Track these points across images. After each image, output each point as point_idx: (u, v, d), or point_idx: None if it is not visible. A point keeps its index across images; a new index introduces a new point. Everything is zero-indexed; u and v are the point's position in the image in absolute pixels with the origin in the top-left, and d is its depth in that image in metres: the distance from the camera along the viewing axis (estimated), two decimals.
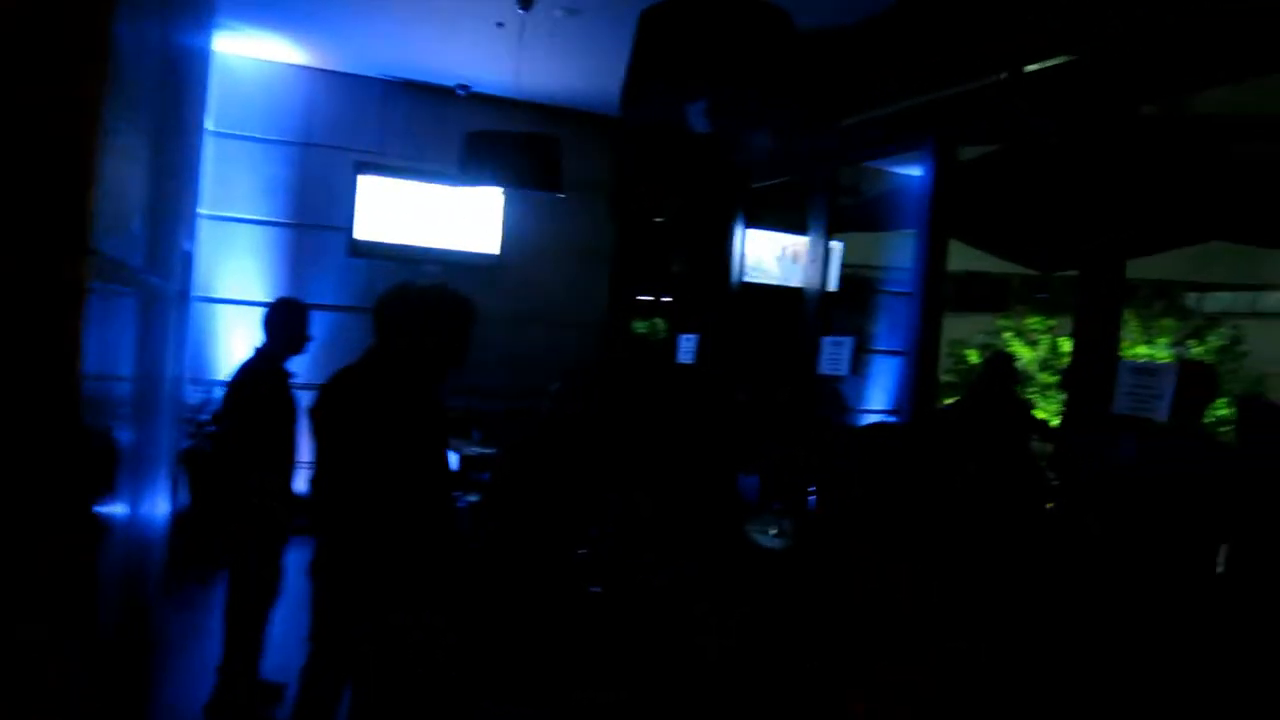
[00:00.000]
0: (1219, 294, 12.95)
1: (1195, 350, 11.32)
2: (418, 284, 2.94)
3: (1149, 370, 3.91)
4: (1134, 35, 4.60)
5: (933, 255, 5.29)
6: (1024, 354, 11.02)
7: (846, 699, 1.87)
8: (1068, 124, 5.24)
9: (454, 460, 6.15)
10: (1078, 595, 3.33)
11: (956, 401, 6.23)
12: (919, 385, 5.41)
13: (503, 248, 7.81)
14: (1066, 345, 11.20)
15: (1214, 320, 11.84)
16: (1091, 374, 4.53)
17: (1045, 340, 11.43)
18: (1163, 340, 10.62)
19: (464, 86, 7.47)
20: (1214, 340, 11.33)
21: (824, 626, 2.01)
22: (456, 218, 7.69)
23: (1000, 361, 5.74)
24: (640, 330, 9.22)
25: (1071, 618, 3.12)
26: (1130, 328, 10.52)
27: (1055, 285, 11.41)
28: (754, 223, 7.12)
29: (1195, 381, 3.90)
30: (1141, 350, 10.46)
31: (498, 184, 5.27)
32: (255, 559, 4.02)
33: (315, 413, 2.88)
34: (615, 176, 8.14)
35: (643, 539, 3.86)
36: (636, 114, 3.79)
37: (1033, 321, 11.47)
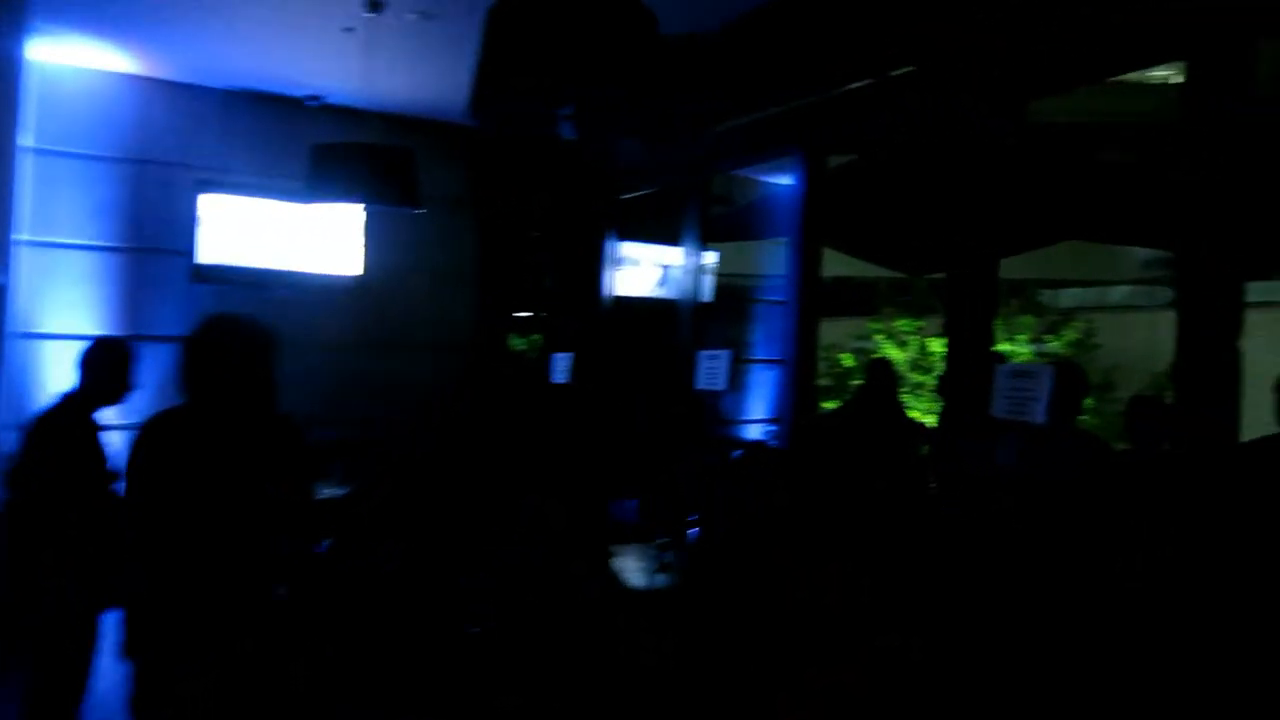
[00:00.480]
0: (1071, 290, 13.56)
1: (1051, 345, 11.80)
2: (211, 317, 2.79)
3: (1025, 373, 3.90)
4: (988, 42, 4.65)
5: (806, 262, 5.23)
6: (895, 355, 11.24)
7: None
8: (929, 130, 5.27)
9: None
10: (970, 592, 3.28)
11: (838, 408, 6.21)
12: (798, 393, 5.34)
13: (366, 268, 7.41)
14: (935, 345, 11.51)
15: (1068, 315, 12.38)
16: (967, 376, 4.53)
17: (914, 341, 11.70)
18: (1022, 337, 11.00)
19: (314, 97, 7.05)
20: (1069, 335, 11.83)
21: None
22: (312, 237, 7.25)
23: (880, 367, 5.75)
24: (519, 347, 8.94)
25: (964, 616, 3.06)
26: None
27: (920, 287, 11.70)
28: (625, 234, 6.96)
29: (1068, 381, 3.92)
30: (1005, 347, 10.80)
31: (348, 200, 4.93)
32: (52, 658, 3.36)
33: (132, 460, 2.54)
34: (477, 189, 7.85)
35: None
36: (488, 118, 3.57)
37: (902, 323, 11.72)
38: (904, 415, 5.72)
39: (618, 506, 5.25)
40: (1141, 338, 11.72)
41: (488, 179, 7.79)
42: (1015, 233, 5.64)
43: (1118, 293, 14.25)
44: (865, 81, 5.31)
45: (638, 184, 6.57)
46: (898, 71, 5.09)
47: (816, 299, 5.18)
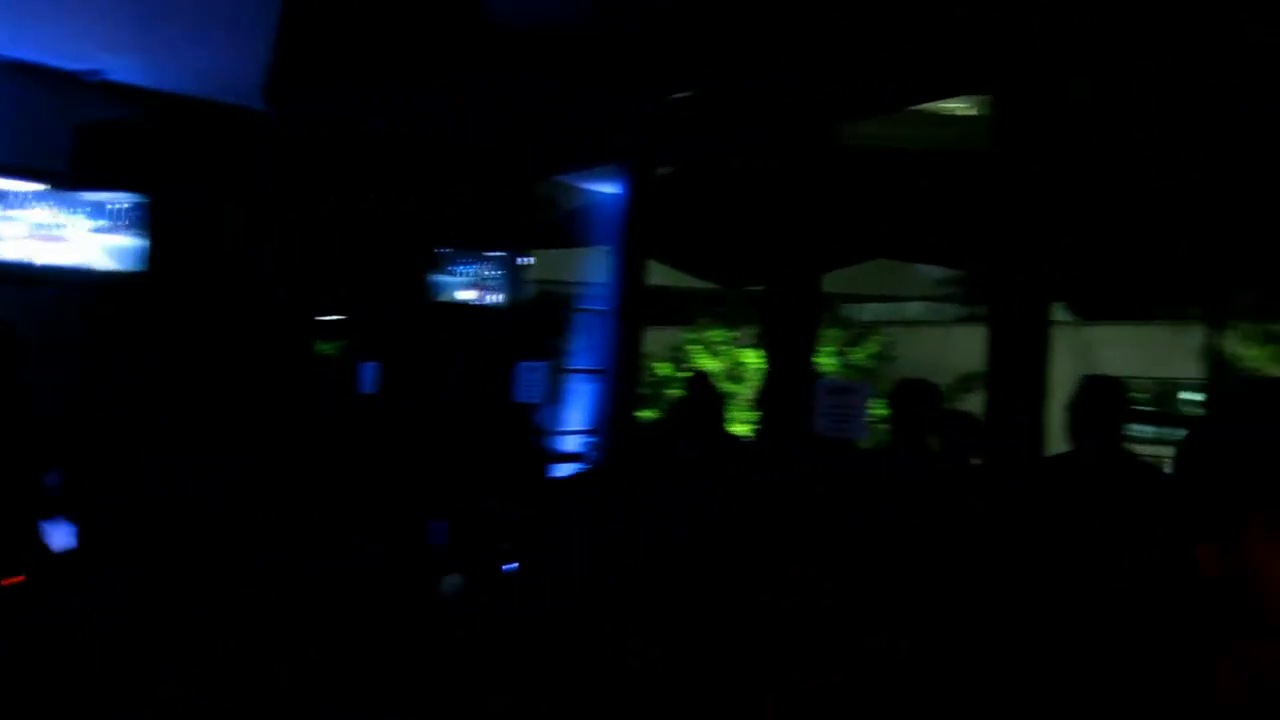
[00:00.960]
0: (871, 305, 14.28)
1: (854, 356, 12.37)
2: None
3: (846, 389, 3.95)
4: (803, 66, 4.73)
5: (630, 272, 5.14)
6: (709, 365, 11.43)
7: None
8: (747, 146, 5.31)
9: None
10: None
11: (659, 420, 6.15)
12: (620, 404, 5.24)
13: (150, 263, 6.71)
14: (747, 356, 11.80)
15: (869, 329, 13.02)
16: (785, 390, 4.56)
17: (727, 351, 11.95)
18: (829, 349, 11.45)
19: (92, 72, 6.33)
20: (870, 347, 12.43)
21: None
22: (87, 229, 6.49)
23: (701, 380, 5.72)
24: (326, 352, 8.39)
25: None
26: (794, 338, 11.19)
27: (732, 298, 11.97)
28: (443, 237, 6.63)
29: (912, 399, 3.98)
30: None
31: (122, 188, 4.41)
32: None
33: None
34: (278, 182, 7.30)
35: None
36: (286, 105, 3.25)
37: (715, 334, 11.95)
38: (724, 430, 5.72)
39: (429, 529, 4.95)
40: (934, 350, 12.51)
41: (290, 172, 7.25)
42: (831, 249, 5.79)
43: (913, 308, 15.15)
44: (688, 93, 5.29)
45: (459, 184, 6.28)
46: (717, 87, 5.11)
47: (641, 309, 5.10)
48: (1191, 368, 10.60)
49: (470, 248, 6.74)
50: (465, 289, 6.98)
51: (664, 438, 5.32)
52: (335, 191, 6.68)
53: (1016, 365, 3.48)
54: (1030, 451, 3.47)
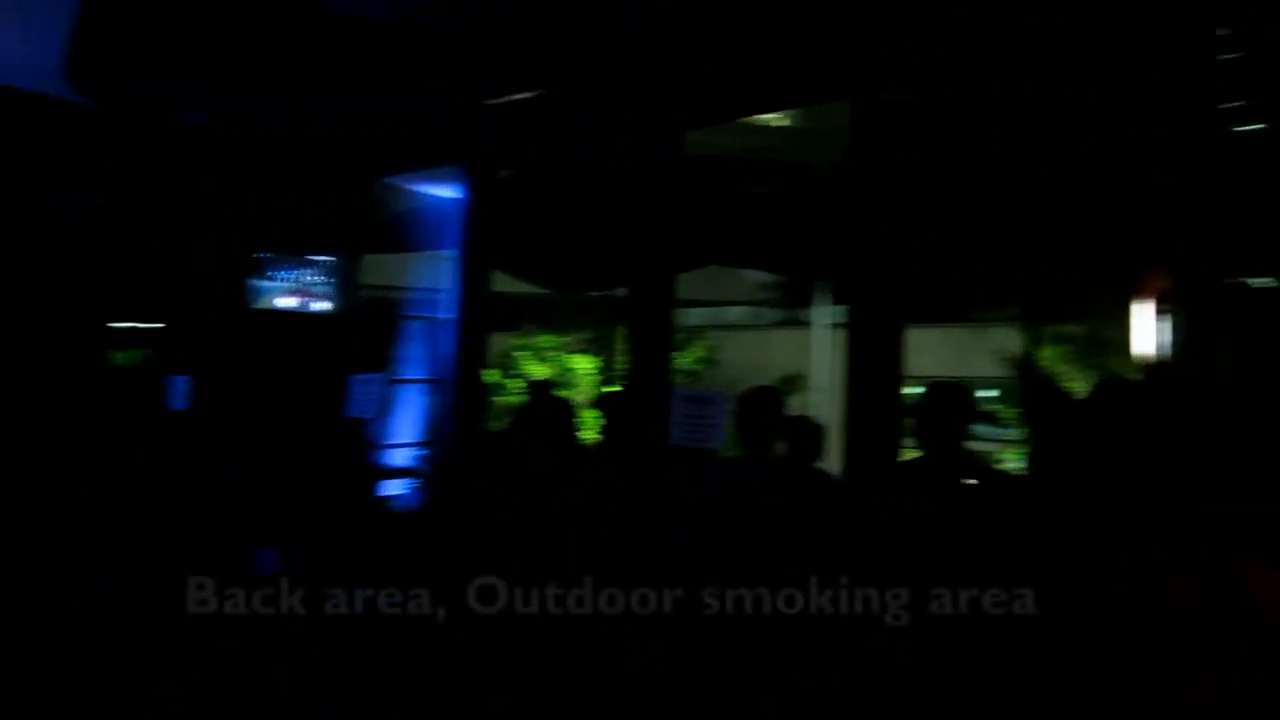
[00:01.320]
0: (695, 309, 14.53)
1: (682, 361, 12.51)
2: None
3: (702, 400, 3.94)
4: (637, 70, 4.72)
5: (473, 277, 4.96)
6: (538, 371, 11.28)
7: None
8: (585, 151, 5.26)
9: None
10: None
11: (504, 430, 5.99)
12: (464, 415, 5.05)
13: None
14: (577, 362, 11.72)
15: (694, 334, 13.23)
16: (634, 396, 4.53)
17: (556, 358, 11.83)
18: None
19: None
20: (696, 351, 12.64)
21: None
22: None
23: (544, 388, 5.61)
24: (121, 362, 7.63)
25: None
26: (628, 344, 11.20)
27: (561, 305, 11.86)
28: (265, 238, 6.19)
29: (758, 406, 4.01)
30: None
31: None
32: None
33: None
34: (59, 170, 6.58)
35: None
36: (89, 90, 2.91)
37: (545, 340, 11.80)
38: (575, 438, 5.62)
39: (256, 555, 4.58)
40: (755, 354, 12.87)
41: (79, 159, 6.55)
42: (671, 255, 5.82)
43: (733, 312, 15.55)
44: (527, 95, 5.18)
45: (283, 182, 5.87)
46: (555, 91, 5.02)
47: (485, 316, 4.93)
48: (988, 367, 11.39)
49: (295, 251, 6.31)
50: (288, 295, 6.55)
51: (518, 447, 5.17)
52: (157, 186, 6.08)
53: (869, 367, 3.59)
54: (883, 457, 3.59)
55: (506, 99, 5.13)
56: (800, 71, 4.27)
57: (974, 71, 4.30)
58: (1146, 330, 7.58)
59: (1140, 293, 8.25)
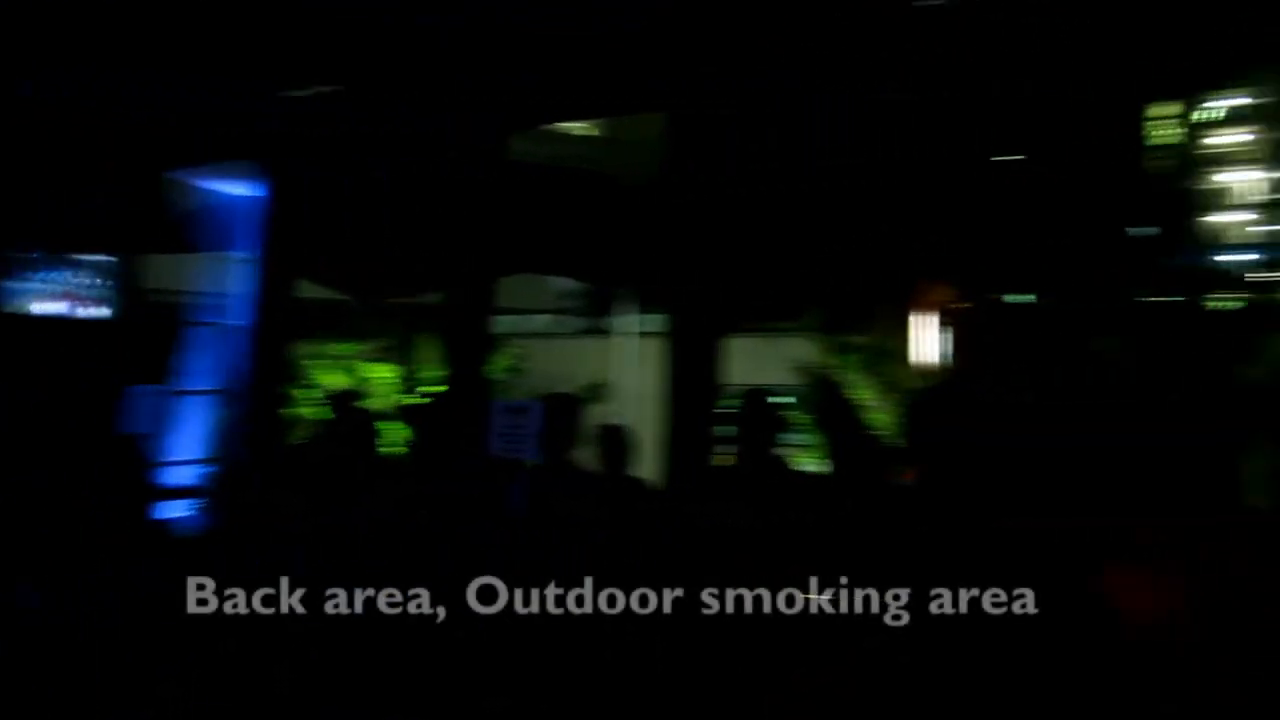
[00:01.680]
0: (502, 317, 14.38)
1: (490, 369, 12.36)
2: None
3: (519, 410, 3.90)
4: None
5: (273, 281, 4.68)
6: (334, 381, 10.82)
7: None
8: (392, 150, 5.13)
9: None
10: None
11: (310, 441, 5.67)
12: (260, 427, 4.75)
13: None
14: (375, 371, 11.31)
15: (499, 342, 13.09)
16: (447, 406, 4.42)
17: (354, 366, 11.40)
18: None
19: None
20: (503, 360, 12.52)
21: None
22: None
23: (346, 400, 5.38)
24: None
25: None
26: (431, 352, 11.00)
27: (362, 311, 11.42)
28: (25, 237, 5.56)
29: (560, 414, 3.99)
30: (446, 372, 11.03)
31: None
32: None
33: None
34: None
35: None
36: None
37: (342, 348, 11.33)
38: (378, 449, 5.41)
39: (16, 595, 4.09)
40: (560, 362, 12.90)
41: None
42: (484, 262, 5.73)
43: (538, 320, 15.52)
44: (329, 89, 4.98)
45: (48, 175, 5.28)
46: (358, 87, 4.86)
47: (287, 322, 4.66)
48: (781, 375, 11.97)
49: (63, 250, 5.71)
50: (51, 299, 5.92)
51: (324, 460, 4.90)
52: None
53: (681, 377, 3.66)
54: (697, 463, 3.66)
55: (308, 90, 4.89)
56: (612, 82, 4.32)
57: (770, 92, 4.50)
58: (925, 341, 8.20)
59: (918, 306, 8.92)
